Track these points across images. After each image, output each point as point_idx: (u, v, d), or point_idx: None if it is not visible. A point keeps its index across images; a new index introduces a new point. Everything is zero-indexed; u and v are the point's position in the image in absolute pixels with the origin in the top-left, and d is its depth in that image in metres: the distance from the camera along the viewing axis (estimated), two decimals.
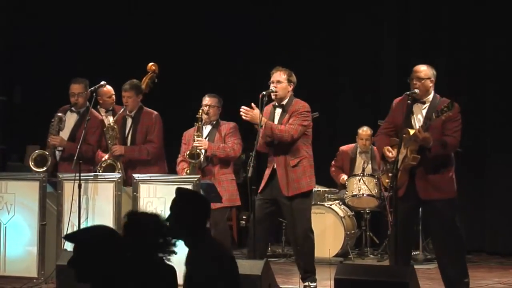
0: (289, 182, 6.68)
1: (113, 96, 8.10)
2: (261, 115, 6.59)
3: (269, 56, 9.34)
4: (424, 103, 6.26)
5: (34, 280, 6.95)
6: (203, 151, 7.23)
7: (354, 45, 10.09)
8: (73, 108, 7.56)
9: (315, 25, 10.18)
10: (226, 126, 7.37)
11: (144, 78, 7.90)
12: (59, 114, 7.47)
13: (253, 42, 10.17)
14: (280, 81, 6.74)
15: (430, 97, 6.26)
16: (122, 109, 7.43)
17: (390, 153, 6.24)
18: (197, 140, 7.23)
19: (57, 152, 7.50)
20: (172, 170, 7.59)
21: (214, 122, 7.39)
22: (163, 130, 7.47)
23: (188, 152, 7.27)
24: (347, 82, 10.20)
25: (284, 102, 6.80)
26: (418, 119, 6.25)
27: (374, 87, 9.98)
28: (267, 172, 6.82)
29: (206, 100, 7.39)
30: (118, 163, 7.22)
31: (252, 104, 6.63)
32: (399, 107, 6.35)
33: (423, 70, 6.26)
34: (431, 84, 6.26)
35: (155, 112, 7.48)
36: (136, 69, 8.26)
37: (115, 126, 7.31)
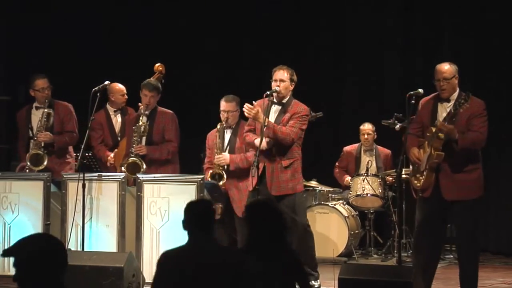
0: (277, 182, 6.72)
1: (126, 95, 8.13)
2: (264, 116, 6.60)
3: (272, 55, 9.33)
4: (449, 101, 6.18)
5: None
6: (225, 166, 7.17)
7: (357, 43, 10.08)
8: (37, 105, 7.61)
9: (319, 25, 10.18)
10: (246, 128, 7.23)
11: (151, 79, 7.90)
12: (46, 110, 7.52)
13: (256, 41, 10.17)
14: (283, 79, 6.76)
15: (455, 94, 6.18)
16: (145, 108, 7.31)
17: (414, 155, 6.18)
18: (217, 158, 7.14)
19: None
20: (186, 169, 7.61)
21: (233, 126, 7.28)
22: (179, 128, 7.47)
23: (210, 172, 7.20)
24: (351, 81, 10.19)
25: (284, 101, 6.81)
26: (442, 117, 6.15)
27: (378, 87, 9.98)
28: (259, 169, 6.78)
29: (223, 105, 7.24)
30: (143, 162, 7.18)
31: (254, 102, 6.64)
32: (425, 107, 6.27)
33: (448, 69, 6.16)
34: (456, 82, 6.19)
35: (171, 112, 7.45)
36: (143, 70, 8.27)
37: (146, 126, 7.27)
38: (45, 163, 7.41)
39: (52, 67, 10.04)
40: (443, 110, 6.20)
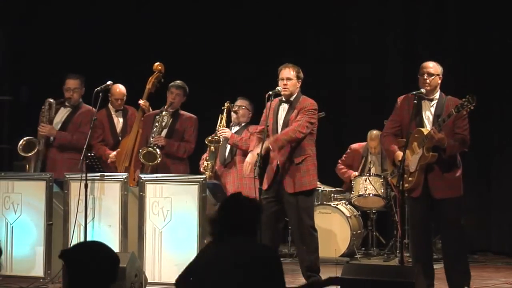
0: (293, 180, 6.71)
1: (121, 100, 8.16)
2: (268, 115, 6.62)
3: (276, 54, 9.33)
4: (431, 100, 6.29)
5: (41, 280, 6.96)
6: (226, 135, 7.49)
7: (360, 42, 10.08)
8: (66, 103, 7.70)
9: (322, 23, 10.17)
10: (253, 127, 7.46)
11: (150, 78, 7.91)
12: (50, 100, 7.59)
13: (259, 39, 10.15)
14: (290, 78, 6.80)
15: (437, 94, 6.31)
16: (168, 105, 7.53)
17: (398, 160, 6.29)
18: (221, 129, 7.41)
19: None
20: (192, 170, 7.68)
21: (243, 124, 7.47)
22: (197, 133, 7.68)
23: (209, 137, 7.39)
24: (354, 81, 10.19)
25: (292, 98, 6.83)
26: (427, 117, 6.29)
27: (381, 86, 9.97)
28: (270, 168, 6.82)
29: (237, 101, 7.62)
30: (158, 151, 7.30)
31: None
32: (404, 106, 6.36)
33: (433, 66, 6.32)
34: (439, 81, 6.32)
35: (195, 116, 7.67)
36: (142, 69, 8.27)
37: (170, 116, 7.47)
38: (35, 150, 7.47)
39: (54, 67, 10.07)
40: (427, 109, 6.32)
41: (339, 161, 9.49)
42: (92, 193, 6.88)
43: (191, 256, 6.67)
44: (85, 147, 7.00)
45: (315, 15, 10.15)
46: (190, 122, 7.60)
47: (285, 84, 6.77)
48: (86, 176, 6.76)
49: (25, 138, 7.57)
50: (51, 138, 7.62)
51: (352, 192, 9.04)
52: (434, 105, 6.28)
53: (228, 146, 7.59)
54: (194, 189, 6.66)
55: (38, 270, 7.02)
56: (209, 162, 7.47)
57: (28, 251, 7.08)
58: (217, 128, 7.46)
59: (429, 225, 6.42)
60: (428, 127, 6.24)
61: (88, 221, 6.78)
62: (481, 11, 9.42)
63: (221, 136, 7.48)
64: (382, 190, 8.84)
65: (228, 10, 10.29)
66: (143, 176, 6.86)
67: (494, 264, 8.68)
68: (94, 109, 7.66)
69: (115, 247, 6.76)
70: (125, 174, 7.04)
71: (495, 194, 9.38)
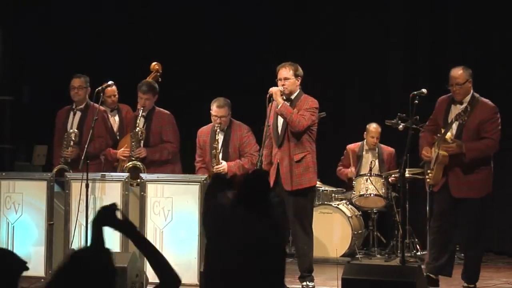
0: (292, 177, 6.71)
1: (116, 96, 8.14)
2: (269, 114, 6.61)
3: (276, 54, 9.32)
4: (462, 103, 6.48)
5: (42, 280, 6.94)
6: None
7: (360, 42, 10.07)
8: (74, 108, 7.57)
9: (321, 22, 10.17)
10: (239, 133, 7.32)
11: (148, 78, 7.90)
12: (71, 131, 7.43)
13: (259, 40, 10.15)
14: (287, 77, 6.78)
15: (468, 97, 6.51)
16: (140, 110, 7.39)
17: (427, 153, 6.53)
18: (216, 168, 7.18)
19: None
20: (186, 169, 7.61)
21: (225, 128, 7.32)
22: (177, 128, 7.51)
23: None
24: (354, 81, 10.18)
25: (293, 97, 6.81)
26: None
27: (382, 86, 9.97)
28: (272, 168, 6.81)
29: (215, 110, 7.25)
30: (142, 165, 7.24)
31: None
32: (441, 106, 6.60)
33: (460, 74, 6.48)
34: (470, 85, 6.50)
35: (167, 112, 7.51)
36: (140, 69, 8.26)
37: (143, 131, 7.35)
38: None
39: (54, 67, 10.08)
40: (455, 112, 6.47)
41: (339, 164, 9.49)
42: (93, 193, 6.89)
43: (192, 256, 6.72)
44: (86, 147, 6.99)
45: (316, 14, 10.15)
46: (164, 120, 7.43)
47: (283, 84, 6.77)
48: (87, 176, 6.76)
49: (57, 167, 7.36)
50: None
51: (353, 192, 9.04)
52: (463, 108, 6.44)
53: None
54: (195, 189, 6.66)
55: (39, 270, 7.01)
56: None
57: (29, 251, 7.06)
58: (212, 165, 7.28)
59: (450, 220, 6.52)
60: (453, 129, 6.43)
61: (89, 221, 6.77)
62: (481, 12, 9.43)
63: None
64: (383, 190, 8.84)
65: (226, 10, 10.28)
66: (144, 176, 6.87)
67: (495, 264, 8.66)
68: (104, 108, 7.63)
69: (116, 247, 6.75)
70: (126, 174, 7.04)
71: (496, 195, 9.34)
